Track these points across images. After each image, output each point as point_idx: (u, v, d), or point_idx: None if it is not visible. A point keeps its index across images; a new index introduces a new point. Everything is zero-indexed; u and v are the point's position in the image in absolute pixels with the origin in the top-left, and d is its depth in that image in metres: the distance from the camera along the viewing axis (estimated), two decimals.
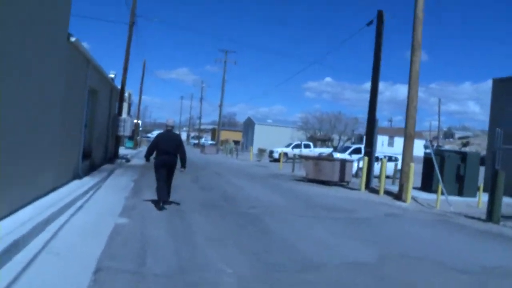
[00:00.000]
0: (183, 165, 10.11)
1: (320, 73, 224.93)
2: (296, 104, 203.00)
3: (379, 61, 18.41)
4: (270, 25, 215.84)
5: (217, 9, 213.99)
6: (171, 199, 10.39)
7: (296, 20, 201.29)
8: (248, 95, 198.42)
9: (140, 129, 61.64)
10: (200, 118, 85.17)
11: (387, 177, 25.81)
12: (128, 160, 24.29)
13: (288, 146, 42.04)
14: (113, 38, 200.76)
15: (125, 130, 22.31)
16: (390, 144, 69.87)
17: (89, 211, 8.49)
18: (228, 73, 64.31)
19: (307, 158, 19.98)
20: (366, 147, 18.54)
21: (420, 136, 78.65)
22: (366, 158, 17.90)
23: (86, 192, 10.47)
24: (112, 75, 28.09)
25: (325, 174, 19.30)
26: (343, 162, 19.60)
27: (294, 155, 30.25)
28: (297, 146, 41.32)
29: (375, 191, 17.09)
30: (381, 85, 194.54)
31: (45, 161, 8.83)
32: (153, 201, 10.41)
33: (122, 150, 35.36)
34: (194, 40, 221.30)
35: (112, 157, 22.11)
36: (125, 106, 52.16)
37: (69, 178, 11.49)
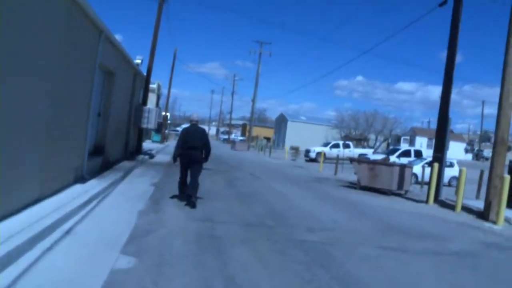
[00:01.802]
0: (206, 159, 9.78)
1: (352, 71, 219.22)
2: (327, 102, 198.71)
3: (455, 48, 15.03)
4: (301, 22, 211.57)
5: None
6: (204, 206, 7.98)
7: (331, 15, 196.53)
8: (279, 91, 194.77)
9: (169, 122, 59.16)
10: (231, 113, 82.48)
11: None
12: (152, 156, 21.59)
13: (326, 145, 38.72)
14: (141, 25, 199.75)
15: (149, 122, 19.57)
16: (429, 146, 65.22)
17: (78, 241, 5.61)
18: (259, 67, 60.90)
19: (360, 161, 16.83)
20: (435, 151, 15.23)
21: (460, 138, 73.98)
22: (436, 165, 14.64)
23: (86, 203, 7.66)
24: (138, 61, 25.46)
25: (381, 182, 16.16)
26: (402, 167, 16.41)
27: (338, 155, 26.98)
28: (336, 145, 38.01)
29: (448, 206, 13.83)
30: (413, 86, 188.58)
31: (19, 161, 6.04)
32: (177, 218, 7.59)
33: (147, 144, 32.88)
34: (225, 33, 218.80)
35: (133, 152, 19.41)
36: (152, 96, 49.83)
37: (68, 182, 8.72)
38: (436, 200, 14.57)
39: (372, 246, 7.34)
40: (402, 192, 16.45)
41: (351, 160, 17.22)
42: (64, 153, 8.30)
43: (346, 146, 38.13)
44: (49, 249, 5.02)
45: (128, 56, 14.62)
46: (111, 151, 13.76)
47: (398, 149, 28.82)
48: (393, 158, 25.95)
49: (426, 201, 14.42)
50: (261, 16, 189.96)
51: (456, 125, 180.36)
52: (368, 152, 39.71)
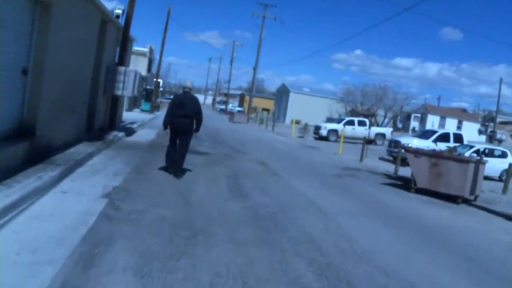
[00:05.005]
0: (197, 129, 9.32)
1: (351, 45, 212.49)
2: (324, 74, 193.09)
3: None
4: None
5: None
6: None
7: None
8: (276, 62, 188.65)
9: (161, 89, 53.56)
10: (229, 81, 77.02)
11: (486, 178, 17.70)
12: (131, 132, 16.66)
13: (339, 121, 33.79)
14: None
15: (126, 88, 14.52)
16: (441, 125, 60.27)
17: None
18: (258, 37, 54.27)
19: (417, 153, 11.96)
20: None
21: (474, 118, 69.05)
22: None
23: None
24: (118, 11, 20.31)
25: (448, 184, 11.37)
26: (477, 164, 11.61)
27: (365, 137, 22.08)
28: (350, 122, 33.12)
29: None
30: (410, 62, 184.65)
31: None
32: None
33: (133, 115, 27.91)
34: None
35: (103, 128, 14.47)
36: (143, 60, 44.33)
37: None
38: None
39: None
40: (472, 198, 11.72)
41: (406, 150, 12.36)
42: None
43: (362, 123, 33.28)
44: None
45: None
46: (53, 130, 8.80)
47: (435, 131, 23.80)
48: (427, 143, 21.12)
49: None
50: None
51: (452, 103, 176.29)
52: (386, 131, 34.94)
